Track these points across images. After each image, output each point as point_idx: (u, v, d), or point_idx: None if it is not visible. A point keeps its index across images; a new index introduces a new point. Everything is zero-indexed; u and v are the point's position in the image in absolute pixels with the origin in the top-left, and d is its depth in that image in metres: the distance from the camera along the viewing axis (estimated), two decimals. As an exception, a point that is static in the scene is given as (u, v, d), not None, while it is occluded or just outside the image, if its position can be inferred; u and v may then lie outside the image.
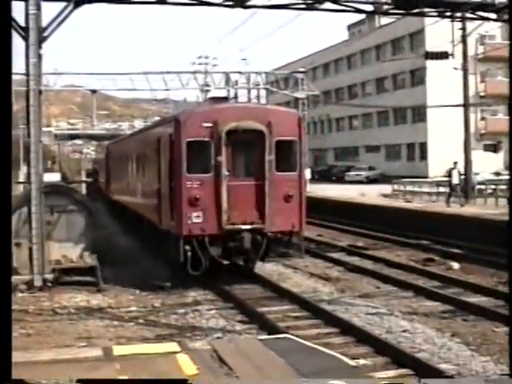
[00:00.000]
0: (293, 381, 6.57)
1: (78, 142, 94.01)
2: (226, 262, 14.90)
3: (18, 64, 15.83)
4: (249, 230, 14.44)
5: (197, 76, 39.97)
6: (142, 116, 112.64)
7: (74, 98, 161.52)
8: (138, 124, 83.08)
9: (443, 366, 8.81)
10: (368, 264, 17.91)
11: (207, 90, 57.06)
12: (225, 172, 14.35)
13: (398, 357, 9.27)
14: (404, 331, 10.85)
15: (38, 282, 14.29)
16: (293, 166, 14.99)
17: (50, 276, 14.51)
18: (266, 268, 17.39)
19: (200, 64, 69.34)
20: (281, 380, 6.60)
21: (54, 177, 21.84)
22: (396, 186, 36.86)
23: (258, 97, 74.95)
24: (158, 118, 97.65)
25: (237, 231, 14.37)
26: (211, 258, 14.38)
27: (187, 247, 14.21)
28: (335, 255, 19.41)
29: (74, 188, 22.38)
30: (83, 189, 32.15)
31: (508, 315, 9.21)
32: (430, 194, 32.98)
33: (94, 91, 40.81)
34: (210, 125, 14.37)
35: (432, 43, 38.59)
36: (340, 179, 55.02)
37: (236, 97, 70.48)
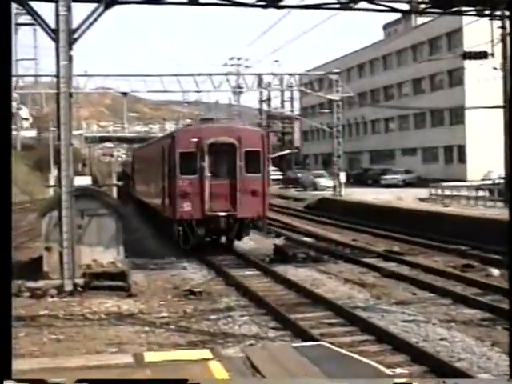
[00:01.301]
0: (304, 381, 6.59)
1: (109, 144, 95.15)
2: (208, 239, 21.70)
3: (49, 66, 16.09)
4: (225, 216, 20.83)
5: (229, 78, 40.03)
6: (173, 118, 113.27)
7: (104, 101, 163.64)
8: (170, 126, 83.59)
9: (483, 377, 8.65)
10: (404, 270, 17.73)
11: (240, 92, 57.12)
12: (207, 174, 20.82)
13: (435, 366, 9.13)
14: (442, 339, 10.71)
15: (68, 287, 14.42)
16: (258, 169, 21.18)
17: (80, 281, 14.65)
18: (300, 273, 17.42)
19: (232, 65, 69.86)
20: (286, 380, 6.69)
21: (84, 180, 22.05)
22: (433, 190, 36.45)
23: (291, 98, 75.34)
24: (189, 121, 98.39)
25: (216, 217, 20.79)
26: (198, 237, 20.83)
27: (179, 228, 20.75)
28: (370, 261, 19.26)
29: (105, 191, 22.60)
30: (114, 192, 32.45)
31: (508, 316, 9.38)
32: (468, 197, 32.54)
33: (124, 93, 41.16)
34: (196, 140, 20.87)
35: (470, 42, 38.10)
36: (375, 183, 54.65)
37: (269, 99, 70.95)
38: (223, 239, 22.34)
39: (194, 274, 18.03)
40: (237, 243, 22.83)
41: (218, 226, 20.91)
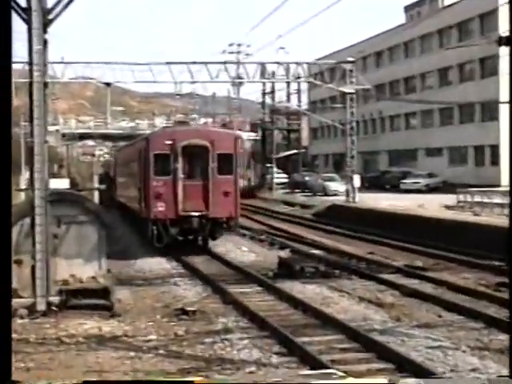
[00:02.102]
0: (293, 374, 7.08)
1: (90, 142, 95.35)
2: (181, 238, 25.07)
3: (19, 51, 16.07)
4: (197, 216, 24.34)
5: (227, 67, 39.81)
6: (164, 113, 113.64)
7: (85, 92, 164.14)
8: (160, 122, 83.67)
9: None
10: (428, 288, 17.72)
11: (240, 84, 57.22)
12: (180, 175, 24.36)
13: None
14: (473, 370, 10.66)
15: (41, 306, 14.32)
16: (230, 171, 24.75)
17: (55, 299, 14.60)
18: (308, 291, 17.41)
19: (231, 53, 69.94)
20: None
21: (61, 183, 22.09)
22: (461, 196, 36.40)
23: (298, 91, 75.48)
24: (182, 116, 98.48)
25: (189, 216, 24.28)
26: (172, 237, 24.45)
27: (154, 227, 24.37)
28: (389, 277, 19.26)
29: (85, 196, 22.61)
30: (96, 197, 32.54)
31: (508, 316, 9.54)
32: (502, 205, 32.48)
33: (108, 84, 40.72)
34: (170, 142, 24.46)
35: (507, 26, 38.04)
36: (394, 187, 54.66)
37: (273, 91, 71.09)
38: (199, 241, 26.00)
39: (187, 290, 18.13)
40: (236, 256, 23.54)
41: (191, 226, 24.55)
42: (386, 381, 7.18)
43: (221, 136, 25.88)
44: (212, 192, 24.47)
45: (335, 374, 8.41)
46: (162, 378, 6.92)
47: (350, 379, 7.08)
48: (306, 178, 62.19)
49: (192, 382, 6.54)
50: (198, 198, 24.56)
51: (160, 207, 24.44)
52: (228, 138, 25.79)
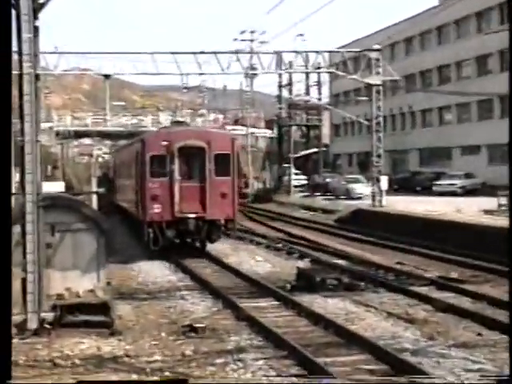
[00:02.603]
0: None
1: (87, 141, 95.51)
2: (177, 241, 27.36)
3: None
4: (194, 218, 26.51)
5: (240, 57, 39.77)
6: (170, 108, 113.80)
7: (81, 85, 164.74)
8: (165, 119, 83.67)
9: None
10: (465, 302, 17.61)
11: (253, 75, 57.14)
12: (177, 176, 26.56)
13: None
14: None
15: (32, 324, 14.20)
16: (227, 172, 27.01)
17: (48, 315, 14.57)
18: (331, 305, 17.37)
19: (244, 41, 69.92)
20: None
21: (55, 186, 22.19)
22: (503, 200, 36.16)
23: (318, 83, 75.41)
24: (189, 111, 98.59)
25: (185, 218, 26.44)
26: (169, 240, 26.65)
27: (150, 230, 26.48)
28: (421, 290, 19.17)
29: (82, 200, 22.69)
30: (94, 201, 32.72)
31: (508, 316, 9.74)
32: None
33: (106, 76, 40.48)
34: (166, 143, 26.67)
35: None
36: (426, 190, 54.48)
37: (291, 83, 71.10)
38: (197, 244, 28.20)
39: (196, 305, 18.13)
40: (250, 267, 23.73)
41: (187, 228, 26.64)
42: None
43: (217, 136, 28.22)
44: (209, 193, 26.67)
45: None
46: (156, 378, 7.08)
47: None
48: (328, 180, 62.16)
49: (185, 380, 6.72)
50: (194, 199, 26.71)
51: (156, 209, 26.54)
52: (225, 138, 28.26)
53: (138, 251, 28.86)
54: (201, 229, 26.86)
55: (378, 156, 42.63)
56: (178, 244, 27.42)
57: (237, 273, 22.70)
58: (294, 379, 11.61)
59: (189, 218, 26.51)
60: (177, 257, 26.15)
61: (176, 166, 26.61)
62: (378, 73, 42.19)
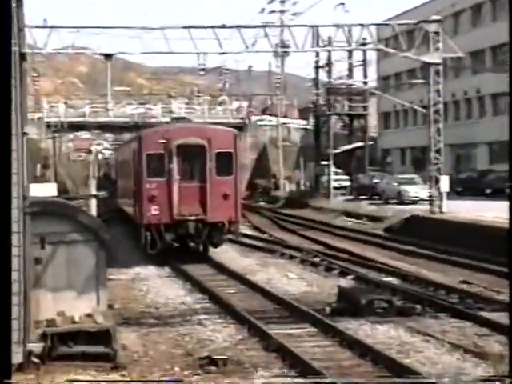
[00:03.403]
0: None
1: (85, 134, 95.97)
2: (176, 245, 29.92)
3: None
4: (194, 220, 29.13)
5: (268, 32, 39.59)
6: (184, 94, 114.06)
7: (77, 68, 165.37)
8: (178, 107, 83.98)
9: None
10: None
11: (284, 54, 57.02)
12: (176, 176, 29.32)
13: None
14: None
15: (16, 358, 13.56)
16: (229, 171, 29.97)
17: (37, 346, 14.45)
18: (380, 333, 17.30)
19: (273, 13, 69.88)
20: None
21: (46, 189, 22.23)
22: None
23: (363, 63, 75.15)
24: (207, 98, 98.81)
25: (185, 221, 29.08)
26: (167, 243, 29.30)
27: (147, 233, 29.17)
28: (493, 316, 18.94)
29: (79, 206, 22.80)
30: (93, 207, 32.90)
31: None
32: None
33: (108, 56, 39.39)
34: (164, 141, 29.37)
35: None
36: (498, 193, 53.91)
37: (329, 63, 70.93)
38: (201, 248, 31.04)
39: (216, 332, 18.14)
40: (282, 285, 23.84)
41: (187, 231, 29.20)
42: None
43: (219, 133, 31.18)
44: (210, 194, 29.44)
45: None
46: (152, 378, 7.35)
47: None
48: (375, 181, 61.95)
49: (181, 380, 6.97)
50: (194, 200, 29.52)
51: (154, 211, 29.30)
52: (227, 135, 31.07)
53: (147, 266, 28.97)
54: (201, 232, 29.45)
55: (437, 151, 42.27)
56: (178, 248, 30.11)
57: (265, 293, 22.68)
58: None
59: (188, 221, 29.15)
60: (192, 273, 26.23)
61: (175, 165, 29.39)
62: (437, 49, 41.67)
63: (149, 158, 29.76)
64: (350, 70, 73.02)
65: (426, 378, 12.59)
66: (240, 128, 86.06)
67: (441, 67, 41.98)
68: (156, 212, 29.23)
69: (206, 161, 29.47)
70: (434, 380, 12.88)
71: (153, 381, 6.88)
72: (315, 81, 70.67)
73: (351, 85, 71.50)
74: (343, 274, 26.37)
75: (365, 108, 73.03)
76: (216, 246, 30.66)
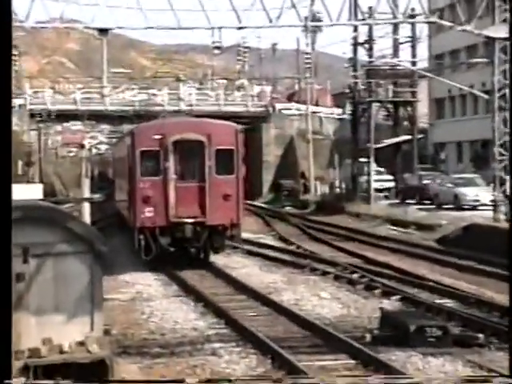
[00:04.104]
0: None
1: (76, 126, 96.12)
2: (172, 249, 32.00)
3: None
4: (192, 223, 31.51)
5: (296, 2, 39.43)
6: (195, 78, 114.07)
7: (66, 44, 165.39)
8: (187, 92, 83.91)
9: None
10: None
11: (316, 28, 56.75)
12: (172, 175, 31.75)
13: None
14: None
15: None
16: (231, 170, 32.54)
17: (17, 382, 14.51)
18: (433, 367, 17.30)
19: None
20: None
21: (30, 191, 22.20)
22: None
23: (412, 40, 74.95)
24: (222, 82, 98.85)
25: (182, 223, 31.42)
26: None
27: (141, 236, 31.42)
28: None
29: (69, 212, 22.79)
30: (86, 212, 32.97)
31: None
32: None
33: (103, 31, 39.40)
34: (159, 137, 31.73)
35: None
36: None
37: (370, 40, 70.75)
38: (201, 255, 33.57)
39: (233, 363, 18.19)
40: (313, 307, 24.01)
41: (184, 235, 31.60)
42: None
43: (219, 129, 33.76)
44: (209, 195, 31.94)
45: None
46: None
47: None
48: (426, 182, 61.69)
49: (183, 380, 7.11)
50: (192, 201, 32.00)
51: (148, 213, 31.65)
52: (228, 130, 33.67)
53: (150, 283, 29.05)
54: (200, 236, 31.99)
55: (503, 146, 41.98)
56: (175, 254, 32.44)
57: (293, 316, 22.64)
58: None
59: (186, 224, 31.62)
60: (205, 292, 26.44)
61: (171, 163, 31.86)
62: (504, 21, 41.34)
63: (143, 156, 32.21)
64: (396, 47, 72.96)
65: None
66: (262, 118, 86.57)
67: (508, 43, 41.55)
68: (150, 214, 31.56)
69: (205, 158, 32.03)
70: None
71: (153, 381, 7.05)
72: (353, 61, 70.50)
73: (397, 65, 71.31)
74: (387, 294, 26.31)
75: (413, 93, 72.84)
76: (217, 251, 33.16)
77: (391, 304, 24.36)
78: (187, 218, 31.58)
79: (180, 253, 32.79)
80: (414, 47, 70.48)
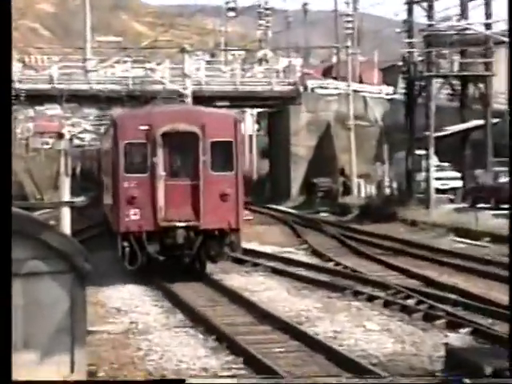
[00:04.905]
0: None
1: (52, 109, 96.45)
2: (161, 258, 34.36)
3: None
4: (184, 227, 33.72)
5: None
6: (205, 47, 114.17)
7: (38, 5, 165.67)
8: (194, 66, 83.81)
9: None
10: None
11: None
12: (161, 172, 34.04)
13: None
14: None
15: None
16: (229, 166, 34.77)
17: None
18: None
19: None
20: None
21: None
22: None
23: (485, 13, 74.81)
24: (239, 53, 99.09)
25: (172, 228, 33.72)
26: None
27: (125, 243, 33.59)
28: None
29: (44, 220, 22.84)
30: (66, 220, 33.14)
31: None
32: None
33: None
34: (146, 127, 33.90)
35: None
36: None
37: (427, 11, 70.70)
38: (197, 265, 35.94)
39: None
40: (356, 342, 24.25)
41: (174, 241, 33.85)
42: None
43: (215, 118, 36.49)
44: (204, 194, 34.28)
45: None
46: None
47: None
48: (503, 180, 61.46)
49: (183, 380, 7.51)
50: (184, 202, 34.39)
51: (133, 216, 33.87)
52: (225, 120, 36.12)
53: (148, 311, 29.23)
54: (193, 242, 34.34)
55: None
56: (164, 263, 34.96)
57: (331, 353, 22.65)
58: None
59: (176, 228, 34.01)
60: (217, 322, 26.56)
61: (160, 159, 34.27)
62: None
63: (127, 149, 34.76)
64: (463, 6, 72.80)
65: None
66: (290, 100, 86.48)
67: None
68: (136, 217, 33.89)
69: (199, 152, 34.42)
70: None
71: (153, 381, 7.35)
72: (407, 24, 70.44)
73: (465, 29, 71.04)
74: (453, 325, 26.21)
75: (487, 66, 72.60)
76: (214, 260, 35.70)
77: (459, 339, 24.27)
78: (178, 221, 33.87)
79: (171, 262, 35.10)
80: (488, 5, 70.11)
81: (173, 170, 34.70)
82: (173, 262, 35.18)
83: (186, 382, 7.64)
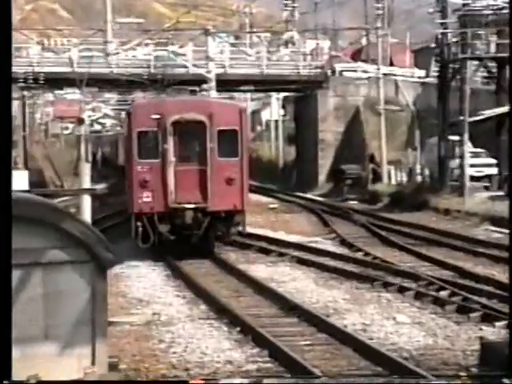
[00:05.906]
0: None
1: (72, 94, 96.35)
2: (172, 237, 38.94)
3: None
4: (192, 209, 38.24)
5: None
6: (229, 29, 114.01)
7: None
8: (218, 50, 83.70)
9: None
10: None
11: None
12: (171, 158, 38.65)
13: None
14: None
15: None
16: (234, 152, 39.40)
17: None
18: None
19: None
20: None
21: (13, 179, 22.32)
22: None
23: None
24: (264, 35, 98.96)
25: (182, 209, 38.25)
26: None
27: (138, 223, 38.20)
28: None
29: (64, 208, 22.86)
30: (87, 208, 33.18)
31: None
32: None
33: None
34: (157, 116, 38.28)
35: None
36: None
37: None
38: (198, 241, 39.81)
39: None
40: (386, 335, 24.38)
41: (184, 222, 38.29)
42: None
43: (222, 108, 41.41)
44: (211, 179, 38.76)
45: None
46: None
47: None
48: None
49: (187, 382, 7.92)
50: (193, 186, 38.96)
51: (145, 198, 38.45)
52: (231, 110, 41.39)
53: (171, 302, 29.34)
54: (201, 223, 38.79)
55: None
56: (175, 242, 39.47)
57: (360, 346, 22.64)
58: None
59: (186, 210, 38.51)
60: (242, 313, 26.63)
61: (170, 145, 38.85)
62: None
63: (140, 137, 39.32)
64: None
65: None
66: (318, 83, 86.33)
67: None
68: (148, 199, 38.62)
69: (207, 140, 39.04)
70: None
71: (153, 381, 7.41)
72: (441, 4, 70.23)
73: (502, 8, 70.77)
74: (488, 318, 26.16)
75: (524, 48, 72.32)
76: (220, 239, 41.05)
77: (495, 332, 24.27)
78: (187, 203, 38.54)
79: (181, 240, 39.47)
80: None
81: (182, 155, 39.12)
82: (182, 240, 39.12)
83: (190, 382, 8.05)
